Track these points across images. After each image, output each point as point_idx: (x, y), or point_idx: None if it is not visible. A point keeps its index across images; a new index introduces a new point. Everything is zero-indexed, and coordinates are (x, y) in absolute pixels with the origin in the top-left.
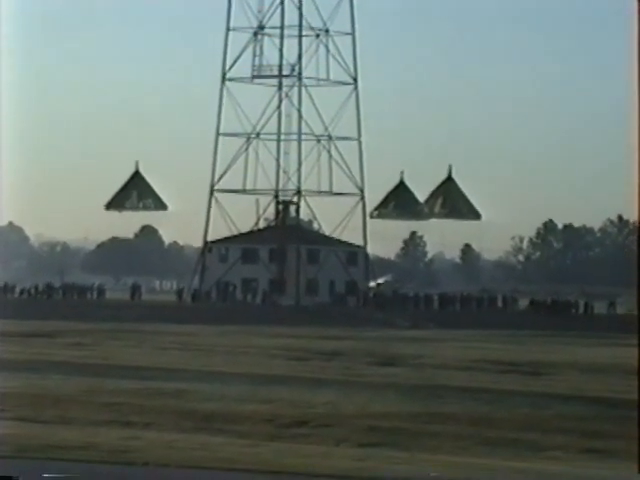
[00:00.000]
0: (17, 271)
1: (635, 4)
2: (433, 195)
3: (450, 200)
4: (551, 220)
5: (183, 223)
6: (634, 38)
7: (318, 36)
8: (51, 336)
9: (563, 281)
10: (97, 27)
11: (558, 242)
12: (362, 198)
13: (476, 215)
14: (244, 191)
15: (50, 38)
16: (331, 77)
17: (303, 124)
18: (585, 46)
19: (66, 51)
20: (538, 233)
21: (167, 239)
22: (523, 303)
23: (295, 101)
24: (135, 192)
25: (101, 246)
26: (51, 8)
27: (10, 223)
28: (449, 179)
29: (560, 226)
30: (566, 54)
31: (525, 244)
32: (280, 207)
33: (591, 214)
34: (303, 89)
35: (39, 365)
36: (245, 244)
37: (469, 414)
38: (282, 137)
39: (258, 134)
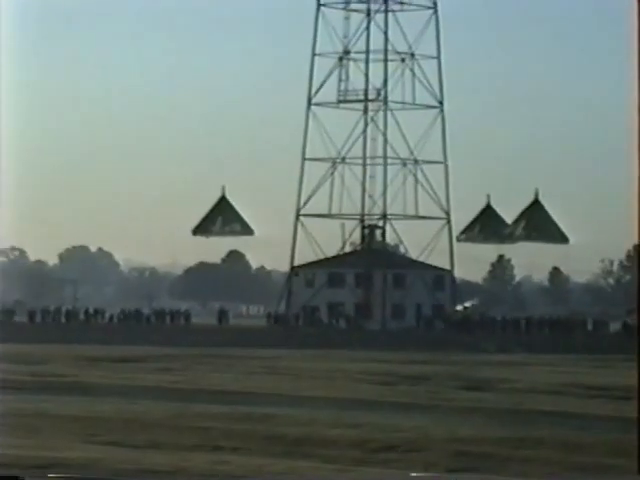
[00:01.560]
0: (107, 296)
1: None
2: (520, 218)
3: (537, 223)
4: None
5: (270, 248)
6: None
7: (404, 60)
8: (140, 361)
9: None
10: (179, 52)
11: None
12: (448, 221)
13: (564, 238)
14: (330, 215)
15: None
16: (417, 101)
17: (389, 148)
18: None
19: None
20: (628, 255)
21: (254, 264)
22: (613, 327)
23: (381, 125)
24: (221, 217)
25: (189, 271)
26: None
27: (100, 249)
28: (536, 202)
29: None
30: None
31: (615, 267)
32: (366, 231)
33: None
34: (389, 113)
35: (128, 390)
36: (331, 268)
37: (559, 439)
38: (367, 161)
39: (344, 158)
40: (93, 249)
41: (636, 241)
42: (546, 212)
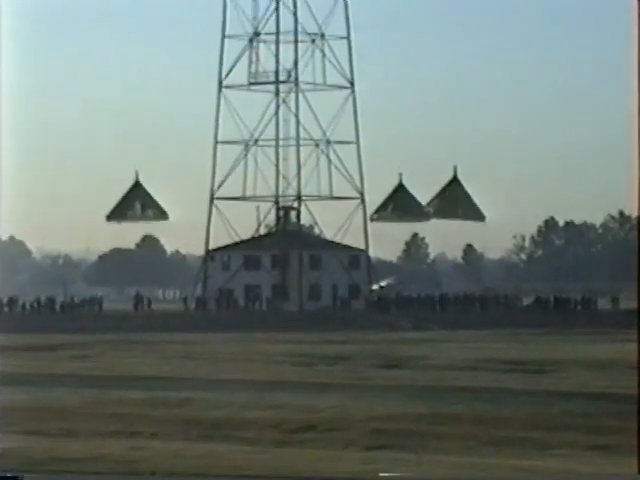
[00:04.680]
0: (19, 285)
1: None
2: (439, 195)
3: (456, 201)
4: (552, 218)
5: (184, 232)
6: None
7: (314, 41)
8: (55, 349)
9: (565, 278)
10: (91, 33)
11: (560, 239)
12: (362, 201)
13: (481, 217)
14: (244, 198)
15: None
16: (328, 81)
17: (301, 129)
18: (585, 46)
19: (63, 59)
20: (539, 231)
21: (169, 248)
22: (526, 301)
23: (292, 106)
24: (136, 203)
25: (103, 257)
26: (42, 10)
27: (12, 237)
28: (455, 180)
29: (561, 223)
30: (565, 53)
31: (527, 242)
32: (280, 213)
33: (592, 210)
34: (300, 94)
35: (43, 378)
36: (247, 251)
37: (474, 414)
38: (280, 143)
39: (256, 141)
40: (4, 238)
41: (547, 216)
42: (464, 190)
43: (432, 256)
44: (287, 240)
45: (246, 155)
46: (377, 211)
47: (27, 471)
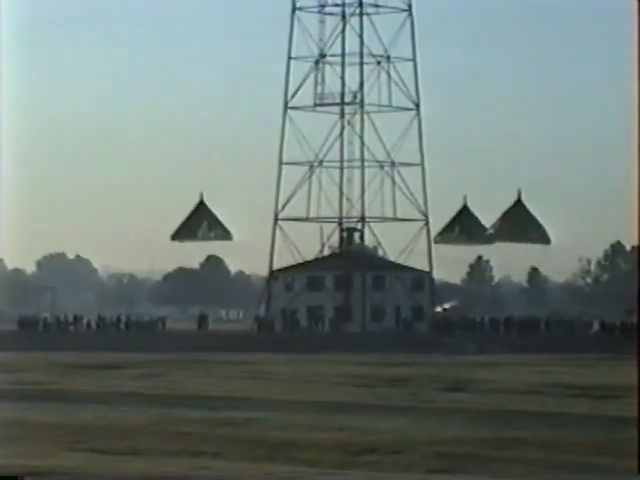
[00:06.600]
0: (86, 303)
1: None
2: (503, 218)
3: (520, 224)
4: (619, 242)
5: (248, 252)
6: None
7: (379, 63)
8: (120, 367)
9: (633, 302)
10: (152, 48)
11: (626, 263)
12: (426, 223)
13: (546, 240)
14: (308, 219)
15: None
16: (393, 103)
17: (366, 151)
18: None
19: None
20: (606, 255)
21: (233, 268)
22: (594, 326)
23: (357, 128)
24: (200, 222)
25: (167, 277)
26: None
27: (78, 256)
28: (518, 202)
29: (628, 247)
30: None
31: (593, 266)
32: (344, 234)
33: None
34: (365, 116)
35: (109, 397)
36: (310, 272)
37: (540, 439)
38: (345, 164)
39: (321, 162)
40: (71, 256)
41: (613, 240)
42: (529, 212)
43: (497, 279)
44: (350, 261)
45: (310, 176)
46: (441, 233)
47: None
